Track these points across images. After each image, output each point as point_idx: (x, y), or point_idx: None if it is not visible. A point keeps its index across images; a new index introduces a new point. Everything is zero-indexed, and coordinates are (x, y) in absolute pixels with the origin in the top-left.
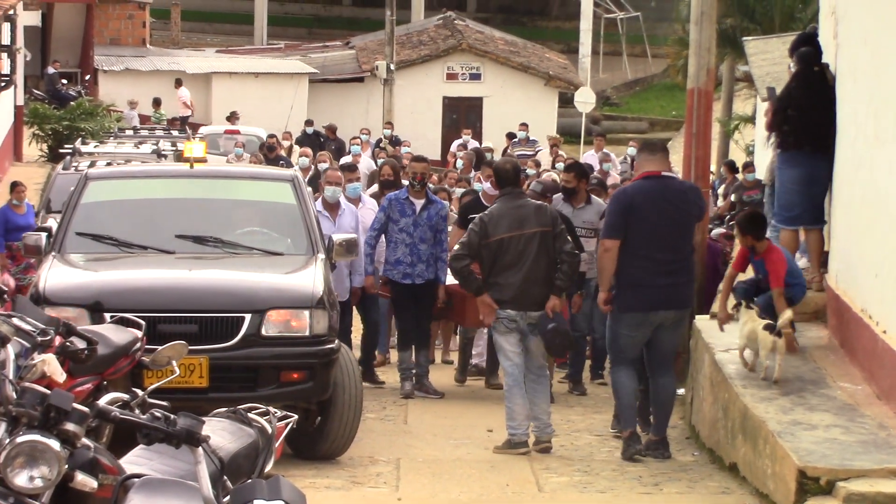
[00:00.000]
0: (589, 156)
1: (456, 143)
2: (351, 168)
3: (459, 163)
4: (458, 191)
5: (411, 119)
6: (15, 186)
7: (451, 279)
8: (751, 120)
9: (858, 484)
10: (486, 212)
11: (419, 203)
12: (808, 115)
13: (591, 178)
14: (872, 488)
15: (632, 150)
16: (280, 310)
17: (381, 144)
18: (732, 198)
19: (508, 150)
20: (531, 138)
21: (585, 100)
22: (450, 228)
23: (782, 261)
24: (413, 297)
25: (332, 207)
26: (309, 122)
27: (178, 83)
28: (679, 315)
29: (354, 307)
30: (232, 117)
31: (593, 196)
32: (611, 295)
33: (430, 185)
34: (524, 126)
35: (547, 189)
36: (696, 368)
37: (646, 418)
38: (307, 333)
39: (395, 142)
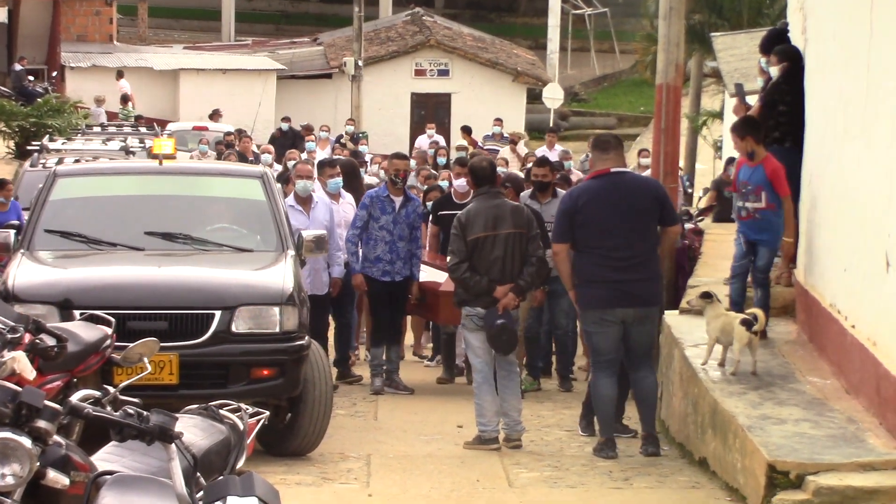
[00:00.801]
0: (540, 152)
1: (420, 138)
2: (331, 164)
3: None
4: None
5: (380, 115)
6: (4, 185)
7: (423, 275)
8: (719, 115)
9: (828, 478)
10: (463, 211)
11: (398, 200)
12: (794, 110)
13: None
14: (842, 482)
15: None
16: (250, 306)
17: (342, 141)
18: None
19: (480, 144)
20: (505, 134)
21: (553, 95)
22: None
23: (782, 167)
24: (389, 294)
25: (305, 201)
26: (285, 119)
27: (119, 75)
28: (643, 312)
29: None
30: (215, 115)
31: (559, 190)
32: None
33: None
34: (499, 122)
35: (509, 180)
36: (665, 364)
37: (619, 416)
38: (277, 330)
39: (356, 139)
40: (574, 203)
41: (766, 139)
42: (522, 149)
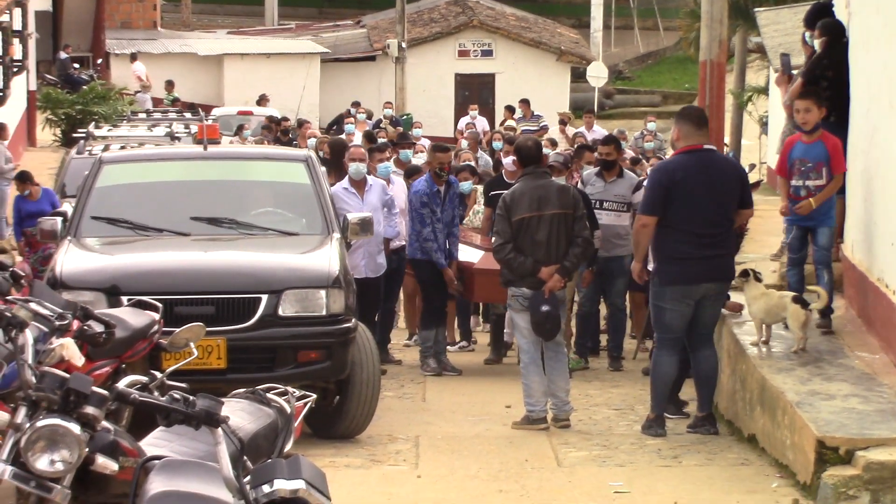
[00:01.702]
0: (578, 131)
1: (463, 120)
2: (381, 148)
3: (465, 143)
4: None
5: (424, 97)
6: (26, 178)
7: (459, 254)
8: (764, 91)
9: (877, 453)
10: (508, 191)
11: (443, 189)
12: (835, 85)
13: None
14: (892, 457)
15: (652, 125)
16: (296, 290)
17: (382, 125)
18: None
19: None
20: (535, 113)
21: (598, 74)
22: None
23: (840, 142)
24: (441, 276)
25: (359, 184)
26: (355, 104)
27: (133, 58)
28: (721, 287)
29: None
30: (262, 100)
31: (625, 169)
32: (643, 267)
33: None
34: (524, 103)
35: (568, 160)
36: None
37: (675, 399)
38: (324, 313)
39: (396, 122)
40: (671, 177)
41: None
42: (570, 129)
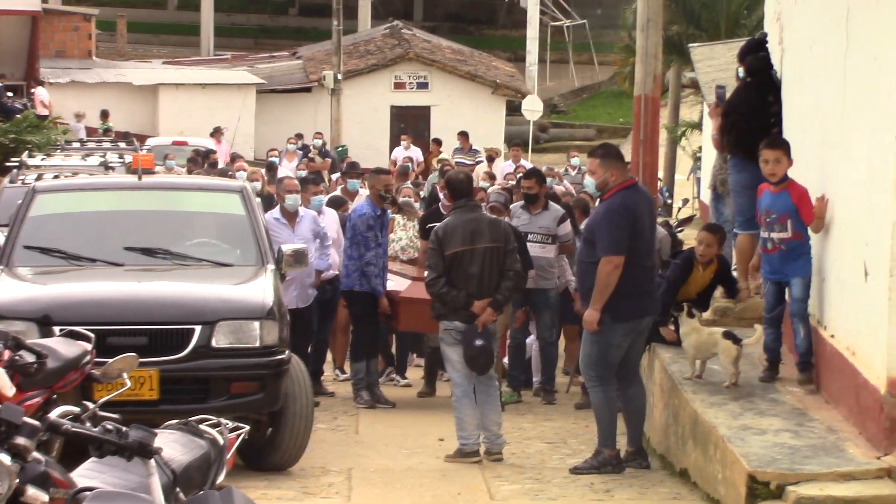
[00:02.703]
0: (506, 166)
1: (396, 150)
2: (315, 181)
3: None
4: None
5: (359, 129)
6: None
7: (388, 283)
8: (697, 126)
9: (808, 488)
10: (440, 225)
11: (379, 213)
12: (750, 121)
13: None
14: (822, 492)
15: (575, 160)
16: (230, 321)
17: (310, 155)
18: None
19: (448, 158)
20: (473, 148)
21: (532, 108)
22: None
23: (806, 190)
24: (374, 306)
25: (291, 215)
26: (299, 136)
27: (37, 83)
28: (651, 320)
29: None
30: (217, 133)
31: (550, 202)
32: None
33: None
34: (463, 136)
35: (508, 200)
36: (646, 375)
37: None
38: (257, 344)
39: (325, 153)
40: (633, 212)
41: (731, 150)
42: (500, 164)
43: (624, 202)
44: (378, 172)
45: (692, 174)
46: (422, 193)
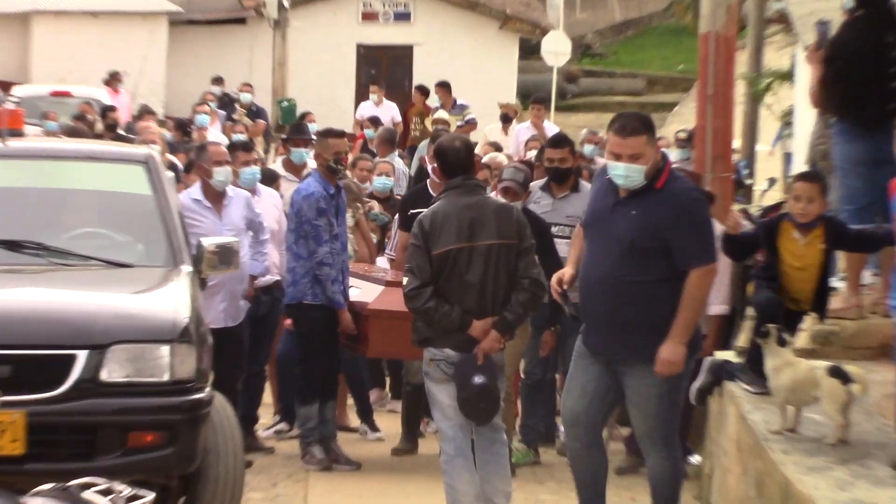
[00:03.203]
0: (522, 130)
1: (362, 107)
2: (246, 147)
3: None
4: (382, 183)
5: (314, 76)
6: None
7: (351, 291)
8: (788, 77)
9: None
10: (426, 212)
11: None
12: (862, 70)
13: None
14: None
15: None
16: (127, 344)
17: (236, 116)
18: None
19: (428, 118)
20: (459, 102)
21: (557, 49)
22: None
23: None
24: (331, 324)
25: (216, 197)
26: (217, 80)
27: None
28: None
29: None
30: (113, 80)
31: (582, 182)
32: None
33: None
34: (443, 87)
35: (528, 177)
36: (716, 427)
37: None
38: (166, 378)
39: (257, 112)
40: None
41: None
42: (519, 128)
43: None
44: (325, 135)
45: (778, 142)
46: (400, 168)
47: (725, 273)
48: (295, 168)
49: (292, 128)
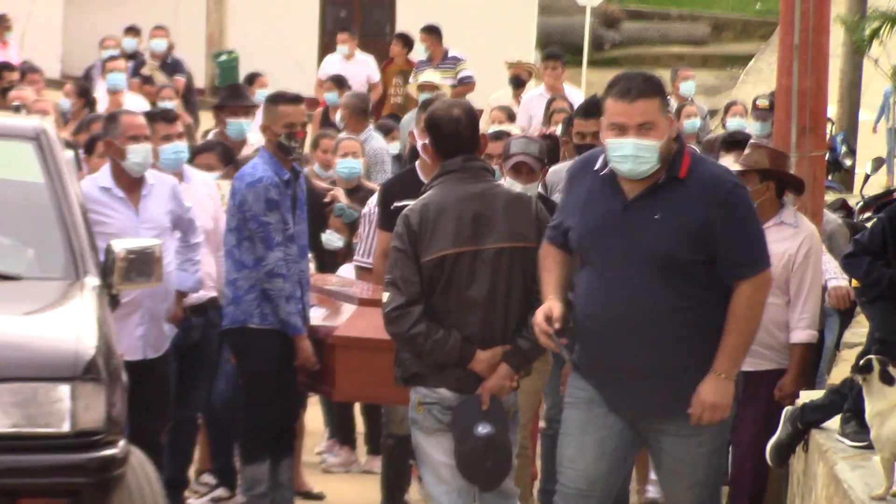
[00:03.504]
0: (534, 98)
1: (327, 60)
2: (167, 117)
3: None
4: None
5: (263, 21)
6: None
7: (313, 313)
8: None
9: None
10: (414, 204)
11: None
12: None
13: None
14: None
15: (688, 85)
16: (13, 384)
17: (145, 70)
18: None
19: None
20: (451, 54)
21: None
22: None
23: None
24: (287, 353)
25: (132, 185)
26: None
27: None
28: None
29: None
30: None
31: None
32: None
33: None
34: (430, 33)
35: (544, 150)
36: (800, 493)
37: None
38: (66, 428)
39: (174, 66)
40: None
41: None
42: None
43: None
44: (275, 101)
45: (887, 113)
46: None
47: (813, 286)
48: (232, 144)
49: (226, 91)
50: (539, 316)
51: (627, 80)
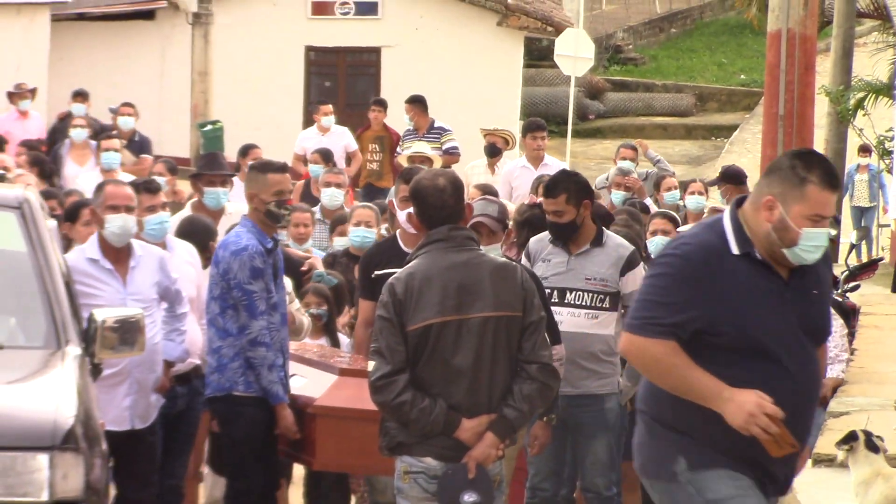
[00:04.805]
0: (515, 168)
1: (303, 136)
2: (150, 188)
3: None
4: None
5: (247, 91)
6: None
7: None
8: (886, 90)
9: None
10: (399, 273)
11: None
12: None
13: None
14: None
15: (627, 165)
16: None
17: (111, 131)
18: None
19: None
20: (437, 124)
21: (576, 52)
22: None
23: None
24: (269, 421)
25: (119, 256)
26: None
27: None
28: None
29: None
30: (15, 95)
31: (608, 232)
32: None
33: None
34: (415, 104)
35: (504, 212)
36: None
37: None
38: (45, 498)
39: (142, 145)
40: None
41: None
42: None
43: None
44: (263, 170)
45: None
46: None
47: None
48: (210, 213)
49: (203, 160)
50: (763, 409)
51: (830, 169)
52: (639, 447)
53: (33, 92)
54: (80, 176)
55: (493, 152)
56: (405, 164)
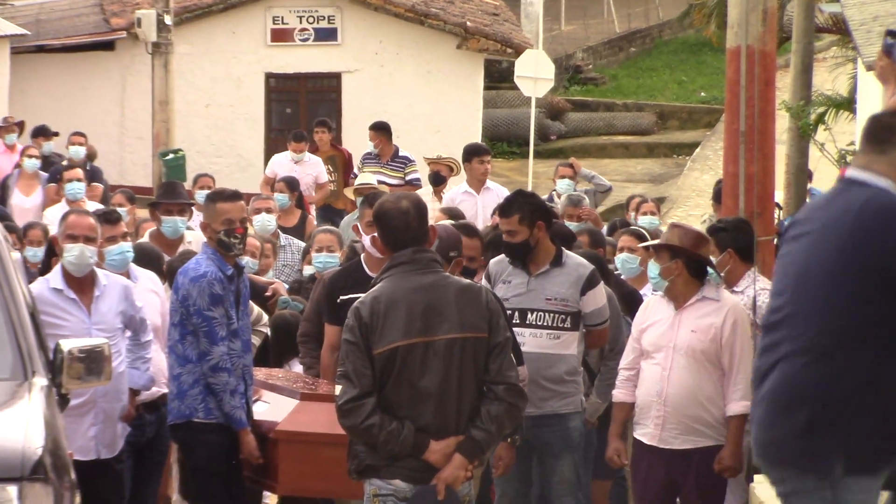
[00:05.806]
0: (457, 195)
1: (275, 160)
2: (110, 218)
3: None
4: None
5: (208, 120)
6: None
7: (256, 408)
8: (847, 104)
9: None
10: (365, 296)
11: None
12: None
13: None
14: None
15: (565, 185)
16: None
17: (62, 166)
18: None
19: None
20: (401, 154)
21: (536, 73)
22: None
23: None
24: (233, 447)
25: (83, 284)
26: (42, 132)
27: None
28: None
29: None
30: (2, 129)
31: (568, 252)
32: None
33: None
34: (379, 132)
35: (459, 240)
36: None
37: None
38: None
39: (94, 174)
40: None
41: None
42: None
43: None
44: (213, 200)
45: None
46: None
47: (744, 358)
48: (167, 243)
49: (161, 189)
50: None
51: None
52: (789, 438)
53: (20, 125)
54: (37, 208)
55: (438, 181)
56: (352, 198)
